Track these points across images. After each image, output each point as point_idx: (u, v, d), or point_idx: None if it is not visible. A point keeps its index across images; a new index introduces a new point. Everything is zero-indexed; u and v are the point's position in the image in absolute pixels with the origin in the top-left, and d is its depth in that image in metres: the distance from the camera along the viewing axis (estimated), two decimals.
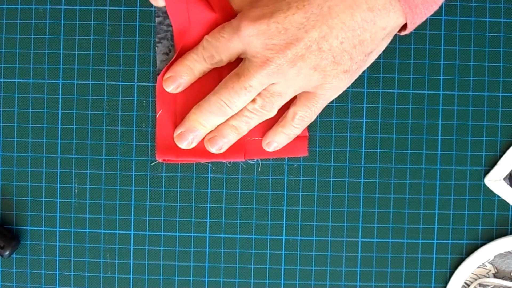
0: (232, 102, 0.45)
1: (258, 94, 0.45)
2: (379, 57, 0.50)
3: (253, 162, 0.51)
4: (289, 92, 0.45)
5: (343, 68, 0.43)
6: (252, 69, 0.44)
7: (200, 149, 0.49)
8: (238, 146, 0.49)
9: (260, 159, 0.50)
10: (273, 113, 0.46)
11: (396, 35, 0.47)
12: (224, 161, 0.50)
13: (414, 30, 0.50)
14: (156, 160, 0.50)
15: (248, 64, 0.44)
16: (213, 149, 0.48)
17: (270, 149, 0.49)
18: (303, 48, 0.42)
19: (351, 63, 0.43)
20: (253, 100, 0.45)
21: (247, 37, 0.43)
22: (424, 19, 0.43)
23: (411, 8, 0.42)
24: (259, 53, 0.43)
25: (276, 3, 0.43)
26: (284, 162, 0.51)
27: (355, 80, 0.50)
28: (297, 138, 0.49)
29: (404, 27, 0.44)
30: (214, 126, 0.47)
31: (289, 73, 0.43)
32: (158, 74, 0.50)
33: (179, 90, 0.48)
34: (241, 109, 0.46)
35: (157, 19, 0.50)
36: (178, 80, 0.47)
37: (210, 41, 0.46)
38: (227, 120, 0.47)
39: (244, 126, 0.47)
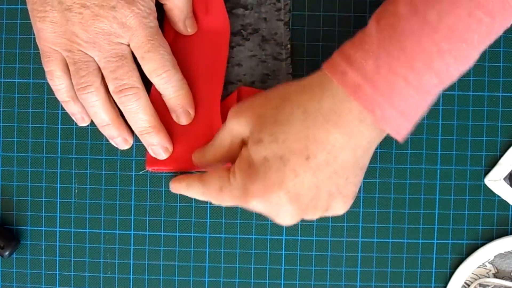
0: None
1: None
2: None
3: None
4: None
5: (352, 196, 0.43)
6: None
7: (189, 159, 0.48)
8: None
9: None
10: None
11: None
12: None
13: None
14: (144, 170, 0.50)
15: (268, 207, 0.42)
16: None
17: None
18: (314, 201, 0.41)
19: (355, 189, 0.43)
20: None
21: (257, 207, 0.42)
22: (410, 128, 0.40)
23: (396, 130, 0.39)
24: (270, 214, 0.42)
25: (279, 171, 0.40)
26: None
27: None
28: None
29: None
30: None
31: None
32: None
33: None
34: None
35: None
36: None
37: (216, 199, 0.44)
38: None
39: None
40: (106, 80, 0.45)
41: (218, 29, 0.49)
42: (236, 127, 0.42)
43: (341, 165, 0.40)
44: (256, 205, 0.41)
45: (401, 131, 0.40)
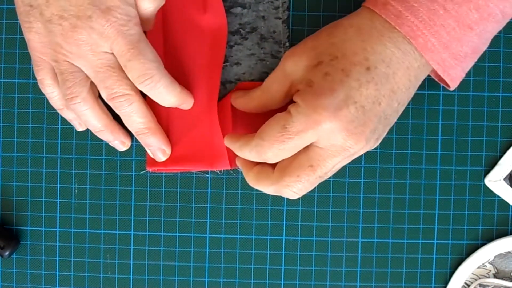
0: (302, 192, 0.43)
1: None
2: None
3: (240, 176, 0.51)
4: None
5: (389, 128, 0.43)
6: (328, 158, 0.41)
7: (189, 159, 0.48)
8: (223, 156, 0.49)
9: None
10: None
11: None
12: (212, 170, 0.50)
13: None
14: (144, 170, 0.50)
15: (322, 153, 0.41)
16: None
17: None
18: (377, 122, 0.41)
19: (392, 123, 0.43)
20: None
21: (328, 131, 0.40)
22: (459, 69, 0.41)
23: (440, 64, 0.41)
24: (338, 142, 0.40)
25: (343, 83, 0.40)
26: None
27: None
28: None
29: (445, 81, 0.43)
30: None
31: (360, 151, 0.42)
32: None
33: None
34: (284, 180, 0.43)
35: None
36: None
37: (262, 145, 0.42)
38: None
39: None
40: (98, 87, 0.44)
41: (215, 28, 0.49)
42: (290, 65, 0.42)
43: (398, 84, 0.41)
44: (328, 125, 0.39)
45: (448, 69, 0.41)
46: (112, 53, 0.43)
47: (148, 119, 0.46)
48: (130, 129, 0.47)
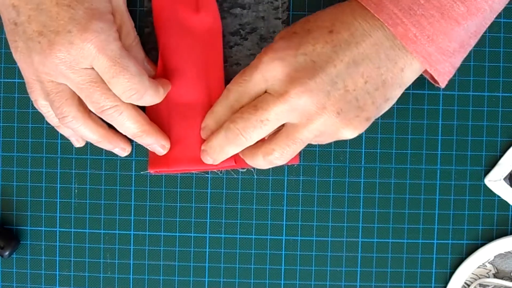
0: (247, 133, 0.42)
1: (277, 144, 0.42)
2: None
3: (243, 170, 0.51)
4: (310, 137, 0.42)
5: (366, 115, 0.41)
6: (271, 102, 0.41)
7: (191, 160, 0.48)
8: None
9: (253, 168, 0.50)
10: (286, 160, 0.44)
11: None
12: (216, 170, 0.50)
13: None
14: (145, 171, 0.50)
15: (267, 96, 0.41)
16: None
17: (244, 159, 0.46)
18: (329, 84, 0.40)
19: (372, 109, 0.41)
20: (270, 152, 0.43)
21: (270, 70, 0.41)
22: (447, 64, 0.41)
23: (425, 57, 0.40)
24: (281, 86, 0.41)
25: (302, 38, 0.41)
26: None
27: None
28: None
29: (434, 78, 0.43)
30: (230, 155, 0.45)
31: (311, 111, 0.40)
32: None
33: None
34: (255, 157, 0.44)
35: (146, 30, 0.50)
36: (207, 130, 0.46)
37: (230, 89, 0.44)
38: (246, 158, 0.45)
39: (257, 166, 0.45)
40: (85, 102, 0.44)
41: (209, 28, 0.48)
42: (268, 68, 0.42)
43: (362, 56, 0.40)
44: (271, 65, 0.41)
45: (435, 64, 0.41)
46: (93, 68, 0.42)
47: (140, 123, 0.46)
48: (125, 134, 0.46)
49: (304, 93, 0.40)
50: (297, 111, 0.41)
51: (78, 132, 0.46)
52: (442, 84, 0.42)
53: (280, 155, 0.43)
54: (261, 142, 0.44)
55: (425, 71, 0.43)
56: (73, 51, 0.41)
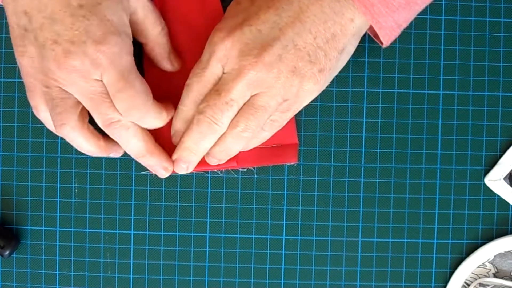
0: (218, 119, 0.43)
1: (240, 116, 0.43)
2: (379, 57, 0.50)
3: (244, 170, 0.51)
4: (271, 104, 0.42)
5: (319, 67, 0.42)
6: (230, 82, 0.42)
7: None
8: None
9: (252, 167, 0.50)
10: (254, 132, 0.44)
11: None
12: (217, 170, 0.50)
13: (414, 30, 0.50)
14: (145, 171, 0.50)
15: (226, 77, 0.42)
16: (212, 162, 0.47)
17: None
18: (279, 48, 0.41)
19: (325, 61, 0.42)
20: (235, 125, 0.43)
21: (222, 50, 0.42)
22: (390, 19, 0.42)
23: (367, 7, 0.41)
24: (236, 63, 0.42)
25: (246, 9, 0.42)
26: None
27: (355, 80, 0.50)
28: (287, 145, 0.49)
29: (378, 36, 0.44)
30: (206, 151, 0.45)
31: (268, 79, 0.41)
32: None
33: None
34: (225, 136, 0.44)
35: None
36: (177, 134, 0.46)
37: (189, 83, 0.44)
38: (217, 145, 0.45)
39: (224, 156, 0.45)
40: (91, 114, 0.43)
41: (214, 27, 0.49)
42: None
43: (306, 14, 0.41)
44: (222, 46, 0.42)
45: (377, 16, 0.41)
46: (102, 81, 0.42)
47: (146, 141, 0.45)
48: (129, 153, 0.46)
49: (257, 64, 0.41)
50: (256, 82, 0.42)
51: (73, 142, 0.45)
52: (384, 40, 0.43)
53: (245, 127, 0.43)
54: None
55: (370, 28, 0.44)
56: (86, 61, 0.41)
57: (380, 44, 0.44)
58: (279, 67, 0.41)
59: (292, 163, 0.50)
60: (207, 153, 0.46)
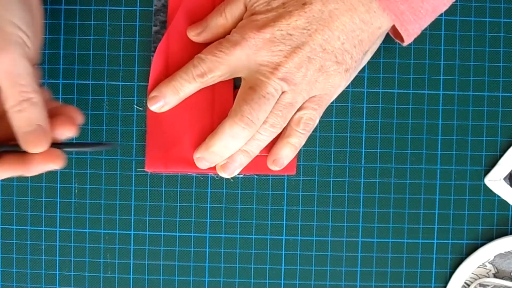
0: (255, 116, 0.44)
1: (275, 109, 0.45)
2: (379, 57, 0.50)
3: (240, 176, 0.51)
4: (298, 100, 0.45)
5: (345, 67, 0.44)
6: (264, 77, 0.44)
7: (189, 161, 0.48)
8: None
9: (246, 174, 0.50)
10: (281, 128, 0.46)
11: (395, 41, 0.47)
12: (213, 174, 0.50)
13: None
14: (142, 169, 0.50)
15: (257, 74, 0.45)
16: (226, 174, 0.48)
17: (278, 166, 0.48)
18: (309, 51, 0.43)
19: (351, 62, 0.45)
20: (264, 121, 0.45)
21: (253, 47, 0.44)
22: (417, 26, 0.43)
23: (397, 15, 0.43)
24: (266, 61, 0.44)
25: (278, 11, 0.44)
26: None
27: (355, 80, 0.50)
28: None
29: (401, 37, 0.45)
30: (232, 153, 0.46)
31: (296, 77, 0.44)
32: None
33: (164, 110, 0.48)
34: (255, 133, 0.46)
35: (154, 28, 0.50)
36: (162, 100, 0.47)
37: (204, 58, 0.45)
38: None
39: (256, 149, 0.47)
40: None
41: None
42: None
43: (336, 23, 0.43)
44: (251, 42, 0.44)
45: (406, 24, 0.43)
46: None
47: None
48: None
49: (287, 62, 0.43)
50: (285, 80, 0.44)
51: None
52: (406, 42, 0.45)
53: (273, 122, 0.45)
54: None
55: (392, 28, 0.46)
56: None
57: (400, 43, 0.46)
58: (307, 67, 0.44)
59: (291, 175, 0.50)
60: (219, 168, 0.48)
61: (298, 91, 0.45)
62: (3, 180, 0.51)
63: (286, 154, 0.48)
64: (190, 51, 0.48)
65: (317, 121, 0.47)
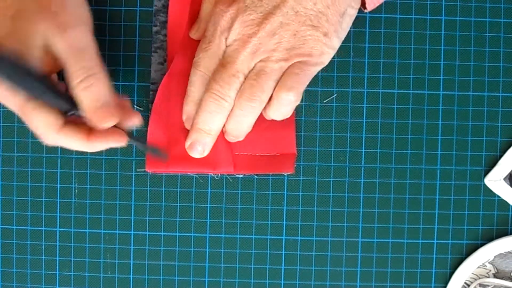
0: (225, 94, 0.44)
1: (244, 84, 0.44)
2: (379, 57, 0.50)
3: (240, 176, 0.51)
4: (275, 67, 0.44)
5: (322, 31, 0.43)
6: (234, 53, 0.43)
7: (189, 161, 0.48)
8: (228, 159, 0.49)
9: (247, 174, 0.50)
10: (261, 101, 0.44)
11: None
12: (213, 174, 0.50)
13: (414, 30, 0.50)
14: (142, 169, 0.50)
15: (229, 49, 0.44)
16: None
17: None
18: (280, 16, 0.42)
19: (328, 25, 0.43)
20: (240, 95, 0.44)
21: (226, 21, 0.43)
22: None
23: None
24: (238, 34, 0.43)
25: None
26: None
27: (355, 80, 0.50)
28: (285, 155, 0.50)
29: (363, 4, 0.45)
30: (219, 129, 0.46)
31: (270, 45, 0.43)
32: (153, 83, 0.50)
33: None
34: (233, 110, 0.45)
35: (154, 29, 0.50)
36: (191, 118, 0.47)
37: (197, 61, 0.45)
38: (229, 121, 0.46)
39: (235, 126, 0.46)
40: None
41: None
42: None
43: None
44: (227, 17, 0.43)
45: None
46: None
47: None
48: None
49: (259, 31, 0.43)
50: (259, 50, 0.43)
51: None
52: (369, 7, 0.45)
53: (249, 94, 0.44)
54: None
55: None
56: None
57: (362, 8, 0.46)
58: (280, 33, 0.43)
59: (289, 173, 0.50)
60: (225, 132, 0.47)
61: (274, 58, 0.43)
62: (3, 180, 0.51)
63: (283, 110, 0.45)
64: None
65: (306, 84, 0.45)
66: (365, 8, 0.45)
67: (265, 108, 0.45)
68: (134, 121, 0.44)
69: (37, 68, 0.39)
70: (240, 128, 0.46)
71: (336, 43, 0.45)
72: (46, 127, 0.40)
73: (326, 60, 0.45)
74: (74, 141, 0.41)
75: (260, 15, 0.43)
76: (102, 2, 0.50)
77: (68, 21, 0.40)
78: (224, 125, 0.46)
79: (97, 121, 0.40)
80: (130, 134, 0.44)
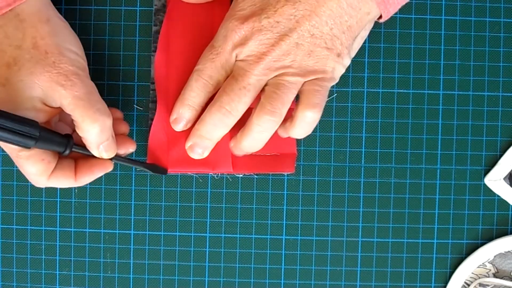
0: (233, 107, 0.44)
1: (262, 97, 0.44)
2: (379, 57, 0.50)
3: (240, 176, 0.51)
4: (292, 80, 0.44)
5: (336, 52, 0.44)
6: (247, 67, 0.43)
7: (190, 161, 0.48)
8: (228, 159, 0.49)
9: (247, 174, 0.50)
10: (281, 114, 0.44)
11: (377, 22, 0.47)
12: (212, 173, 0.50)
13: (414, 30, 0.50)
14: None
15: (241, 63, 0.44)
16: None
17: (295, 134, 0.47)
18: (296, 38, 0.43)
19: (342, 48, 0.44)
20: (261, 108, 0.44)
21: (239, 41, 0.43)
22: (397, 7, 0.44)
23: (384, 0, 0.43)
24: (253, 50, 0.43)
25: (262, 1, 0.43)
26: None
27: (356, 80, 0.50)
28: (285, 154, 0.50)
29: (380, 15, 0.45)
30: (221, 138, 0.46)
31: (285, 63, 0.43)
32: (153, 83, 0.50)
33: (189, 125, 0.47)
34: (251, 126, 0.44)
35: (154, 28, 0.50)
36: (183, 120, 0.47)
37: (201, 69, 0.45)
38: (243, 137, 0.45)
39: (258, 143, 0.46)
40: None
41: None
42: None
43: (323, 8, 0.42)
44: (242, 30, 0.43)
45: (389, 6, 0.43)
46: None
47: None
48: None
49: (274, 50, 0.43)
50: (273, 67, 0.43)
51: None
52: (383, 20, 0.45)
53: (271, 107, 0.44)
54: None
55: None
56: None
57: (377, 21, 0.46)
58: (295, 53, 0.43)
59: (289, 173, 0.50)
60: (235, 147, 0.47)
61: (288, 73, 0.43)
62: (3, 180, 0.51)
63: (306, 127, 0.45)
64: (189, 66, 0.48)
65: (325, 100, 0.45)
66: (379, 19, 0.45)
67: (285, 127, 0.45)
68: (128, 150, 0.47)
69: (31, 118, 0.40)
70: (256, 145, 0.46)
71: (347, 61, 0.45)
72: (38, 176, 0.43)
73: (337, 76, 0.45)
74: (63, 184, 0.44)
75: (276, 35, 0.43)
76: (102, 2, 0.50)
77: (67, 72, 0.41)
78: (233, 141, 0.47)
79: (98, 154, 0.44)
80: (128, 158, 0.47)
